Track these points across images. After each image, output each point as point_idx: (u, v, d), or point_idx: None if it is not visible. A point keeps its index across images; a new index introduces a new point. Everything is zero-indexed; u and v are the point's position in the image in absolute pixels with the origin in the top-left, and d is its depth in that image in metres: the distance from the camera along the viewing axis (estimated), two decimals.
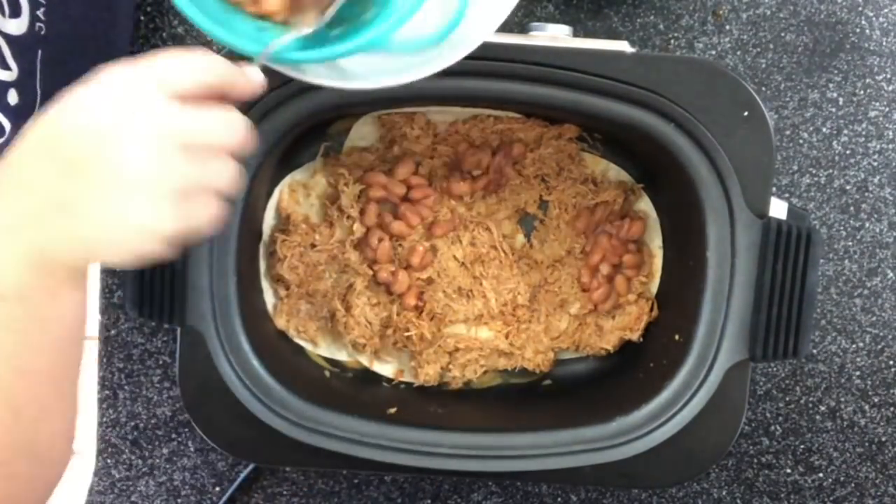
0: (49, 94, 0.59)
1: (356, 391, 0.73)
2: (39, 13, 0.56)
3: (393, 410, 0.69)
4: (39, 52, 0.57)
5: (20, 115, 0.55)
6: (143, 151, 0.42)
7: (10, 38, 0.53)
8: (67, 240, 0.43)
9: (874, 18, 0.75)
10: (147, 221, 0.43)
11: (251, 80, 0.48)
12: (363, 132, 0.73)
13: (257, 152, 0.63)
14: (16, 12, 0.54)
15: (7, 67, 0.53)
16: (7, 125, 0.54)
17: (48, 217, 0.42)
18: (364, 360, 0.75)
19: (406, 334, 0.74)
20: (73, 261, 0.44)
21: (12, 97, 0.54)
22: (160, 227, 0.43)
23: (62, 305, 0.45)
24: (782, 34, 0.76)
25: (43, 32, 0.57)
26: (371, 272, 0.74)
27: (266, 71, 0.49)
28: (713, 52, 0.76)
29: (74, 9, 0.61)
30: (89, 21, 0.64)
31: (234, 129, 0.46)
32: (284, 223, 0.73)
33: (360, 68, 0.52)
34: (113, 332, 0.78)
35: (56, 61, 0.59)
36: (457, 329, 0.75)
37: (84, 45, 0.64)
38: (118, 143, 0.42)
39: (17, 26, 0.54)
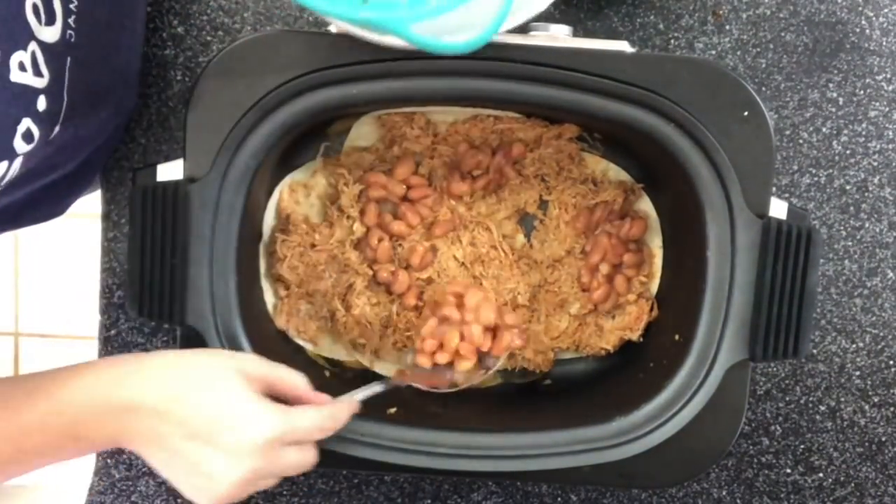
0: (75, 100, 0.59)
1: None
2: (70, 20, 0.57)
3: (393, 410, 0.69)
4: (69, 58, 0.57)
5: (46, 122, 0.56)
6: (240, 477, 0.56)
7: (44, 46, 0.54)
8: (150, 459, 0.57)
9: (874, 18, 0.75)
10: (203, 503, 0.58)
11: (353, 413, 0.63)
12: (363, 132, 0.73)
13: (258, 152, 0.63)
14: (51, 20, 0.54)
15: (40, 74, 0.54)
16: (36, 132, 0.54)
17: (149, 440, 0.56)
18: (364, 360, 0.75)
19: (406, 334, 0.74)
20: (142, 456, 0.58)
21: (41, 104, 0.54)
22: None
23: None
24: (782, 34, 0.76)
25: (73, 40, 0.57)
26: (371, 272, 0.74)
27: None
28: (713, 52, 0.76)
29: (101, 14, 0.62)
30: (113, 27, 0.65)
31: (308, 465, 0.60)
32: (284, 223, 0.73)
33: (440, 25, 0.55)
34: (113, 332, 0.78)
35: (82, 67, 0.59)
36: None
37: (107, 50, 0.64)
38: (232, 460, 0.55)
39: (52, 34, 0.54)
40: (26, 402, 0.56)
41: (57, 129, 0.57)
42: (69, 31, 0.56)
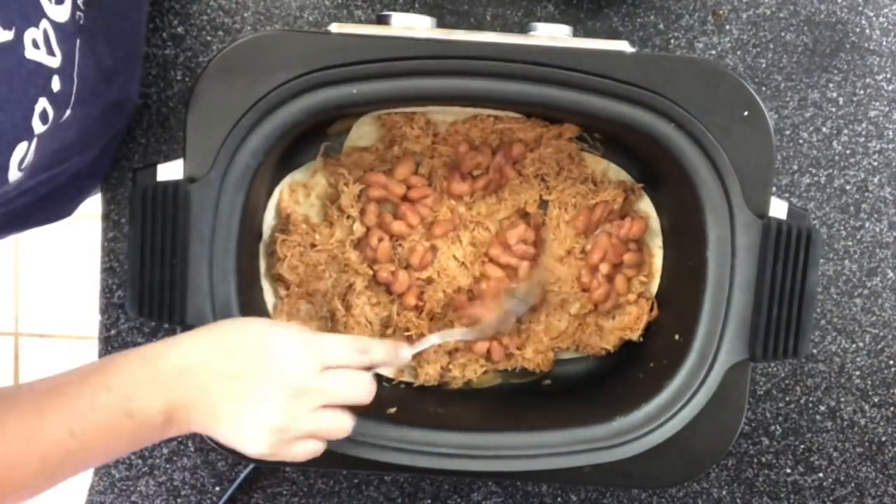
0: (83, 82, 0.59)
1: None
2: (80, 2, 0.57)
3: (393, 410, 0.69)
4: (78, 40, 0.57)
5: (60, 103, 0.56)
6: (281, 402, 0.56)
7: (56, 25, 0.54)
8: (198, 418, 0.57)
9: (874, 18, 0.76)
10: (254, 445, 0.57)
11: (401, 360, 0.63)
12: (363, 132, 0.73)
13: (257, 152, 0.63)
14: None
15: (53, 54, 0.54)
16: (51, 112, 0.55)
17: (196, 398, 0.56)
18: None
19: (406, 334, 0.74)
20: (192, 427, 0.58)
21: (55, 84, 0.55)
22: (260, 451, 0.57)
23: (156, 438, 0.59)
24: (782, 34, 0.76)
25: (82, 21, 0.58)
26: (371, 272, 0.74)
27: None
28: (713, 52, 0.76)
29: (108, 0, 0.62)
30: (119, 14, 0.65)
31: (360, 391, 0.59)
32: (284, 223, 0.73)
33: None
34: (113, 332, 0.78)
35: (89, 50, 0.60)
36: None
37: (112, 37, 0.65)
38: (269, 386, 0.56)
39: (62, 13, 0.55)
40: (78, 384, 0.56)
41: (68, 112, 0.58)
42: (78, 13, 0.57)
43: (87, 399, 0.55)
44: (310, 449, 0.59)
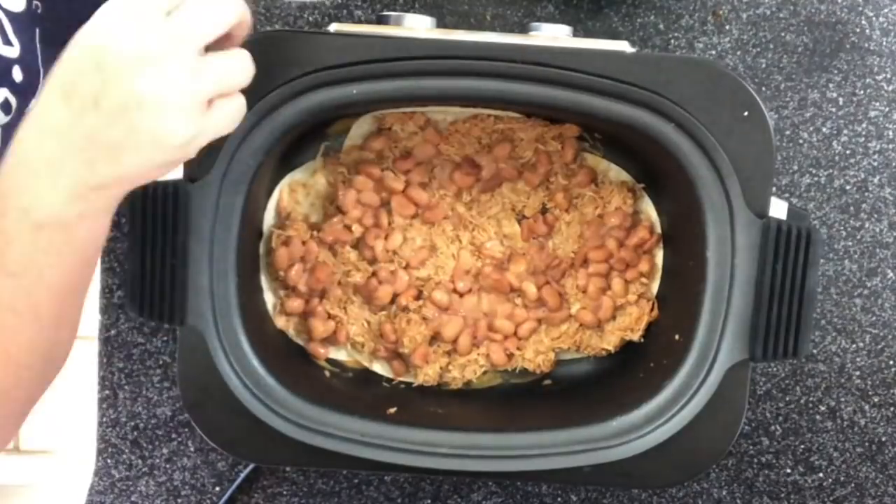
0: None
1: (356, 391, 0.73)
2: None
3: (393, 410, 0.69)
4: (37, 30, 0.57)
5: (24, 93, 0.56)
6: (164, 73, 0.48)
7: (10, 15, 0.54)
8: (111, 172, 0.49)
9: (874, 18, 0.76)
10: (175, 128, 0.49)
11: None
12: (363, 132, 0.73)
13: (257, 152, 0.63)
14: None
15: (9, 43, 0.54)
16: (13, 102, 0.54)
17: (94, 153, 0.48)
18: (364, 360, 0.75)
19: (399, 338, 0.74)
20: (115, 189, 0.51)
21: (17, 74, 0.54)
22: (185, 131, 0.50)
23: (95, 229, 0.51)
24: (782, 34, 0.76)
25: (39, 11, 0.57)
26: (371, 271, 0.74)
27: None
28: (713, 52, 0.76)
29: None
30: (86, 3, 0.65)
31: (246, 67, 0.53)
32: (284, 222, 0.72)
33: None
34: (113, 332, 0.78)
35: (53, 41, 0.59)
36: None
37: (79, 27, 0.64)
38: (160, 99, 0.48)
39: (16, 3, 0.55)
40: None
41: (34, 101, 0.57)
42: (35, 3, 0.57)
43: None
44: (231, 106, 0.52)
